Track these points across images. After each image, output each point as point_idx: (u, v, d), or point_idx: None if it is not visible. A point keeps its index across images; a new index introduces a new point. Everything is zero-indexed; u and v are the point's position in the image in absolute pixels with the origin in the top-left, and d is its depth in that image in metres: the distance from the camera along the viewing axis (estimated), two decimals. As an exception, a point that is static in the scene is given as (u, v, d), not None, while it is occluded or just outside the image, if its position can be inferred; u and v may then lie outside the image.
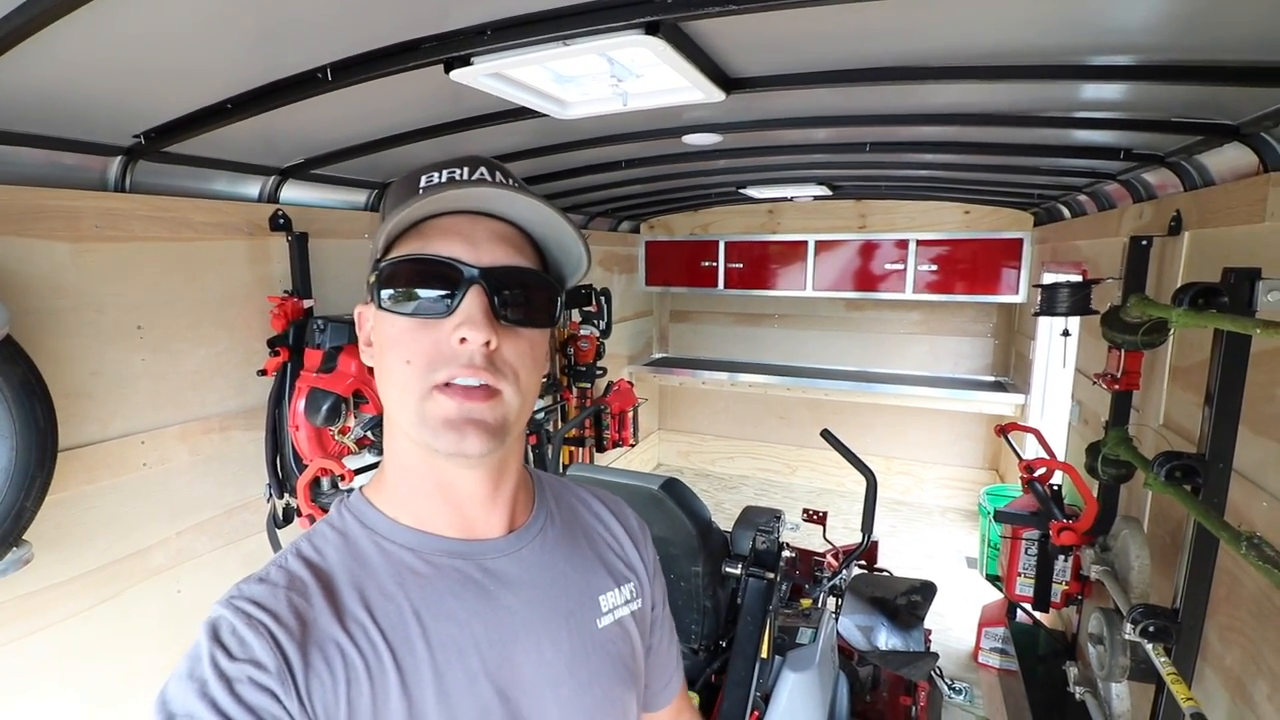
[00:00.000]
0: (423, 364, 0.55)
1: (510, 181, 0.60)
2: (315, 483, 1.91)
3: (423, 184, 0.59)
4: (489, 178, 0.59)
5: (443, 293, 0.56)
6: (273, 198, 2.04)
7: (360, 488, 0.65)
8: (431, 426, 0.55)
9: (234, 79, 1.28)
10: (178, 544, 1.81)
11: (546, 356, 0.63)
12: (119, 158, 1.58)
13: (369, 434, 1.98)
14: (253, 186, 2.00)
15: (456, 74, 1.22)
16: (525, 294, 0.58)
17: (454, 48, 1.16)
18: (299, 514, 1.94)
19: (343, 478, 1.89)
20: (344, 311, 2.05)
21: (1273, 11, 0.97)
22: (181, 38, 1.06)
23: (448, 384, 0.55)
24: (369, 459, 2.06)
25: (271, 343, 1.96)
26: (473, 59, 1.19)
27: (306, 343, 1.96)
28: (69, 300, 1.52)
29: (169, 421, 1.77)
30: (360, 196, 2.40)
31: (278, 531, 2.03)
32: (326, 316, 1.95)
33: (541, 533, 0.67)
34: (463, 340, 0.55)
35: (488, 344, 0.55)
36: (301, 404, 1.89)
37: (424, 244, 0.57)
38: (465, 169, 0.59)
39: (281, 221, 2.03)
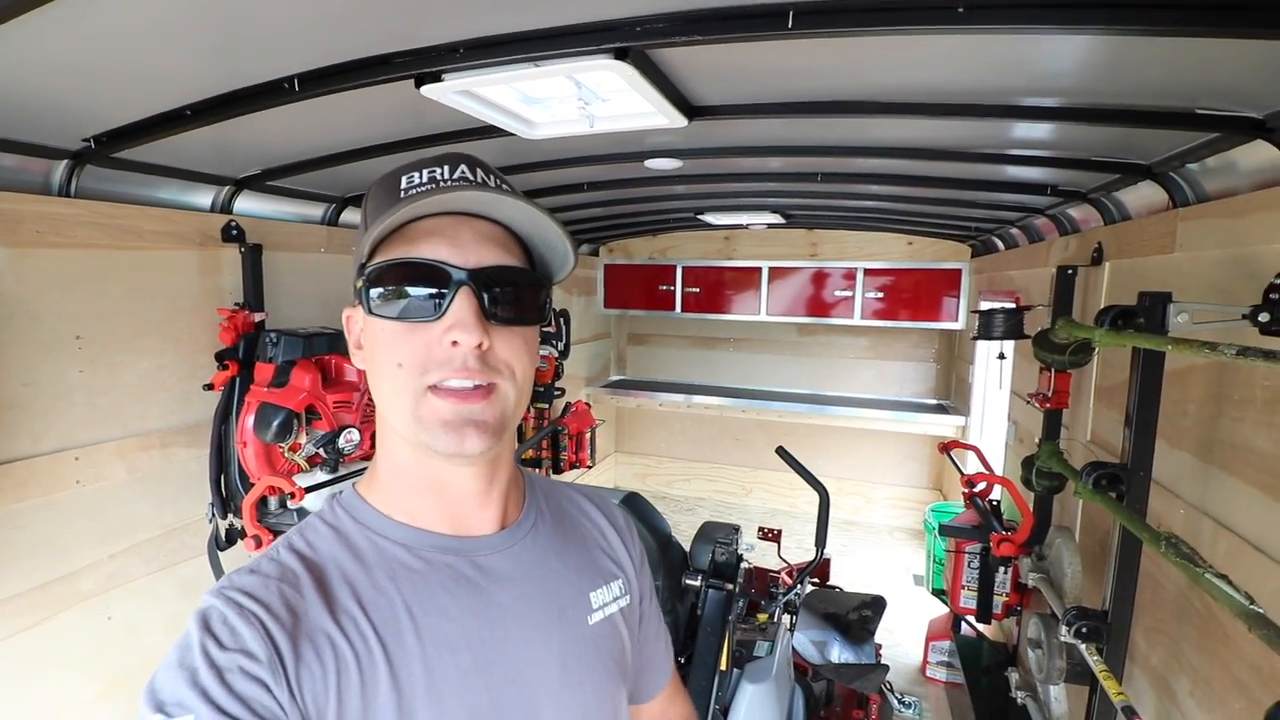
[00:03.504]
0: (414, 367, 0.56)
1: (493, 179, 0.60)
2: (263, 502, 1.84)
3: (404, 185, 0.59)
4: (470, 177, 0.59)
5: (432, 295, 0.56)
6: (226, 208, 2.00)
7: (353, 483, 0.65)
8: (429, 428, 0.56)
9: (196, 85, 1.26)
10: (110, 567, 1.71)
11: (537, 352, 0.64)
12: (65, 161, 1.53)
13: (321, 451, 1.93)
14: (205, 196, 1.95)
15: (427, 89, 1.24)
16: (515, 293, 0.59)
17: (426, 64, 1.18)
18: (243, 535, 1.86)
19: (292, 496, 1.83)
20: (298, 325, 2.01)
21: (1178, 62, 1.09)
22: (143, 40, 1.05)
23: (440, 385, 0.55)
24: (321, 476, 2.00)
25: (220, 356, 1.89)
26: (444, 75, 1.21)
27: (257, 356, 1.90)
28: (3, 308, 1.45)
29: (106, 437, 1.68)
30: (317, 210, 2.37)
31: (219, 554, 1.94)
32: (280, 330, 1.90)
33: (533, 530, 0.67)
34: (454, 343, 0.55)
35: (480, 345, 0.55)
36: (251, 420, 1.83)
37: (409, 247, 0.57)
38: (446, 168, 0.59)
39: (235, 233, 1.98)
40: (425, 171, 0.59)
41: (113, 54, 1.09)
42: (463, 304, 0.55)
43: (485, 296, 0.57)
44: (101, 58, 1.10)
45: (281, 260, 2.14)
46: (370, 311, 0.58)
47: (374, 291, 0.57)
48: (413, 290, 0.56)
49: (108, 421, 1.69)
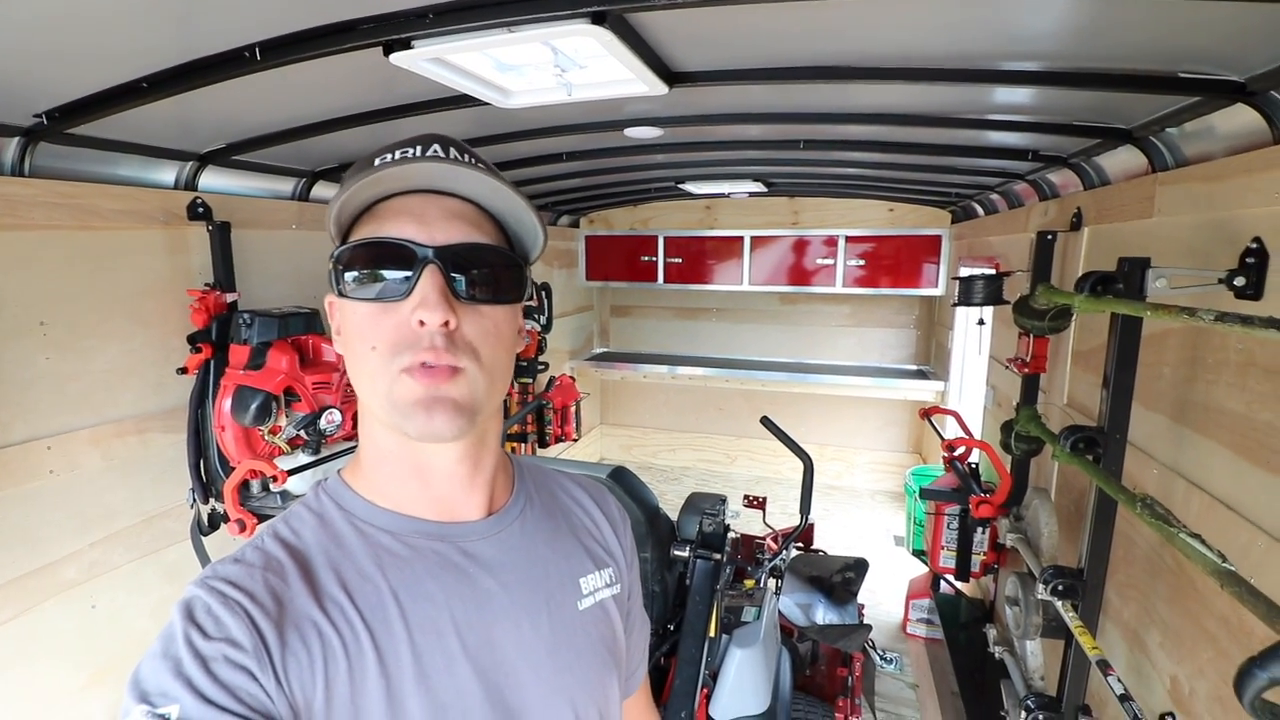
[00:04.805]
0: (387, 349, 0.55)
1: (465, 157, 0.59)
2: (244, 485, 1.82)
3: (376, 165, 0.58)
4: (442, 154, 0.58)
5: (399, 275, 0.55)
6: (190, 184, 1.92)
7: (338, 471, 0.64)
8: (401, 410, 0.55)
9: (152, 55, 1.20)
10: (91, 556, 1.69)
11: (518, 333, 0.63)
12: (17, 139, 1.45)
13: (302, 433, 1.90)
14: (168, 172, 1.88)
15: (396, 57, 1.19)
16: (484, 270, 0.58)
17: (394, 30, 1.13)
18: (226, 519, 1.84)
19: (274, 479, 1.81)
20: (271, 305, 1.96)
21: (1160, 25, 1.08)
22: (93, 8, 0.99)
23: (412, 368, 0.54)
24: (302, 459, 1.98)
25: (192, 339, 1.84)
26: (413, 42, 1.16)
27: (231, 338, 1.86)
28: (-40, 294, 1.39)
29: (78, 425, 1.64)
30: (287, 185, 2.29)
31: (203, 539, 1.92)
32: (254, 310, 1.86)
33: (521, 516, 0.67)
34: (421, 322, 0.54)
35: (446, 324, 0.54)
36: (228, 403, 1.79)
37: (378, 227, 0.57)
38: (419, 147, 0.58)
39: (201, 210, 1.91)
40: (398, 151, 0.58)
41: (62, 24, 1.03)
42: (428, 282, 0.55)
43: (452, 274, 0.56)
44: (50, 28, 1.04)
45: (252, 238, 2.07)
46: (342, 294, 0.58)
47: (345, 274, 0.57)
48: (381, 270, 0.56)
49: (79, 409, 1.65)
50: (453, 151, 0.59)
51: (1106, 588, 1.54)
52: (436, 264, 0.55)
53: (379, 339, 0.55)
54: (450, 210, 0.58)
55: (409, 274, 0.55)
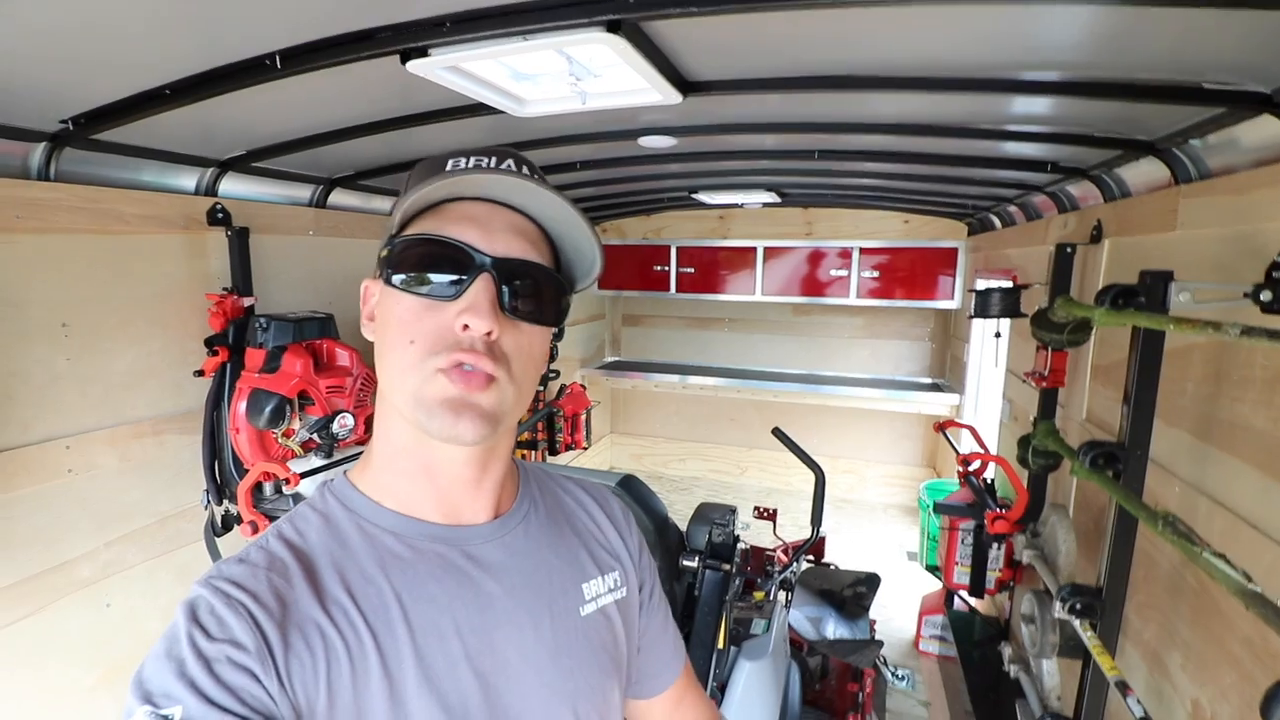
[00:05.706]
0: (425, 346, 0.55)
1: (535, 177, 0.60)
2: (258, 488, 1.83)
3: (449, 167, 0.60)
4: (515, 170, 0.59)
5: (452, 277, 0.56)
6: (211, 190, 1.96)
7: (345, 471, 0.64)
8: (428, 407, 0.55)
9: (175, 63, 1.22)
10: (106, 555, 1.71)
11: (545, 356, 0.64)
12: (43, 144, 1.49)
13: (315, 436, 1.92)
14: (189, 178, 1.91)
15: (413, 65, 1.21)
16: (533, 288, 0.59)
17: (411, 38, 1.14)
18: (239, 521, 1.86)
19: (287, 481, 1.82)
20: (288, 309, 1.98)
21: (1183, 35, 1.07)
22: (118, 17, 1.01)
23: (447, 369, 0.55)
24: (315, 462, 1.99)
25: (209, 342, 1.87)
26: (430, 50, 1.18)
27: (248, 342, 1.88)
28: (-15, 295, 1.42)
29: (97, 425, 1.66)
30: (305, 192, 2.32)
31: (216, 540, 1.93)
32: (270, 315, 1.88)
33: (525, 520, 0.67)
34: (465, 327, 0.55)
35: (489, 334, 0.55)
36: (243, 406, 1.81)
37: (439, 225, 0.58)
38: (493, 159, 0.60)
39: (220, 216, 1.95)
40: (472, 158, 0.60)
41: (88, 32, 1.05)
42: (480, 289, 0.56)
43: (503, 287, 0.57)
44: (77, 36, 1.06)
45: (269, 243, 2.10)
46: (389, 283, 0.58)
47: (396, 264, 0.58)
48: (434, 267, 0.57)
49: (98, 409, 1.67)
50: (525, 169, 0.60)
51: (1126, 607, 1.51)
52: (491, 273, 0.56)
53: (419, 334, 0.56)
54: (513, 224, 0.59)
55: (463, 277, 0.56)
